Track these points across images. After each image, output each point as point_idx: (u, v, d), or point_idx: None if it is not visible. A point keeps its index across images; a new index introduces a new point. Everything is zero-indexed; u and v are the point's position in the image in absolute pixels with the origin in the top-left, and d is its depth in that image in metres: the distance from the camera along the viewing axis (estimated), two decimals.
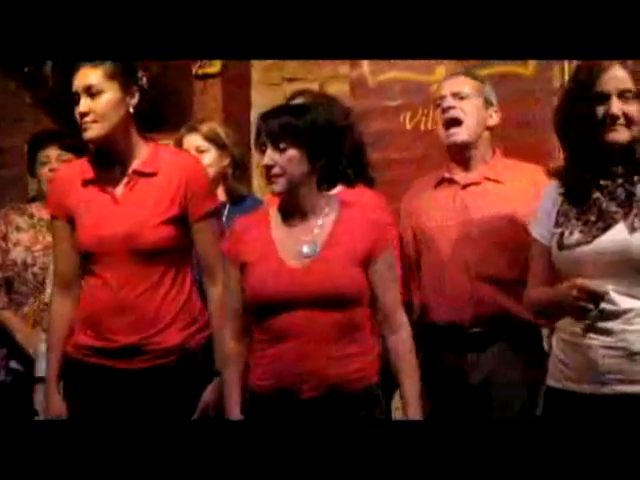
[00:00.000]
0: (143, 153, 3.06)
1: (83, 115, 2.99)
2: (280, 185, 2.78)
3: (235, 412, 2.85)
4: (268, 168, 2.79)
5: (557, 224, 2.73)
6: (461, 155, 3.38)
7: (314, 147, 2.78)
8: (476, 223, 3.32)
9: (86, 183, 3.06)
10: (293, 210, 2.84)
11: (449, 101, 3.34)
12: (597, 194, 2.68)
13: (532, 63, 4.34)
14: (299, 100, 3.20)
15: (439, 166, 3.52)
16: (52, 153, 4.11)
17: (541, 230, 2.79)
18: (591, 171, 2.70)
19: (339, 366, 2.76)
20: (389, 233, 2.92)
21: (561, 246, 2.69)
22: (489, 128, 3.40)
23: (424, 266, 3.40)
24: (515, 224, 3.24)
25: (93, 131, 2.99)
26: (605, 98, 2.65)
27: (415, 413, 2.82)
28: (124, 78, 3.00)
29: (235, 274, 2.87)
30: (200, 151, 3.65)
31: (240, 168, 3.67)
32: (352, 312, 2.78)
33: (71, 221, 3.07)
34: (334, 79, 4.40)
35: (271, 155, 2.77)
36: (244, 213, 3.18)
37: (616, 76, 2.65)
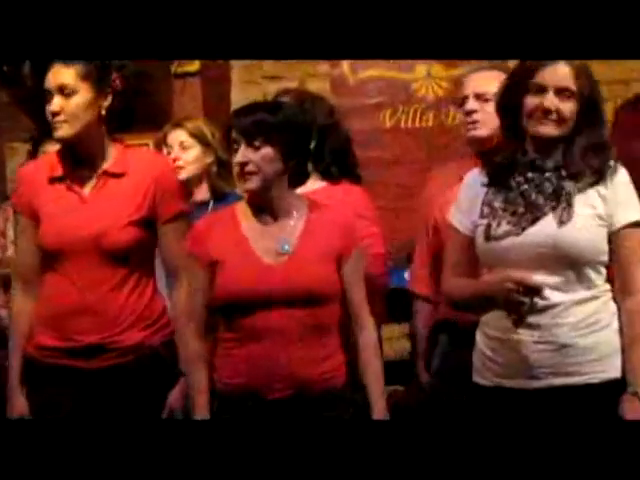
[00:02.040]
0: (113, 154, 3.04)
1: (55, 114, 2.97)
2: (254, 183, 2.77)
3: (204, 413, 2.82)
4: (242, 165, 2.77)
5: (482, 215, 2.70)
6: (481, 148, 3.24)
7: (289, 145, 2.77)
8: None
9: (53, 181, 3.03)
10: (264, 207, 2.83)
11: (471, 104, 3.22)
12: (525, 186, 2.66)
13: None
14: (284, 99, 3.19)
15: (419, 164, 3.51)
16: (50, 149, 4.10)
17: (462, 219, 2.76)
18: (519, 162, 2.68)
19: (310, 366, 2.75)
20: (360, 232, 2.90)
21: (489, 237, 2.66)
22: None
23: None
24: None
25: (64, 130, 2.98)
26: (542, 91, 2.64)
27: (380, 414, 2.78)
28: (97, 79, 2.99)
29: (202, 273, 2.82)
30: (184, 147, 3.64)
31: (225, 166, 3.67)
32: (325, 310, 2.77)
33: (36, 218, 3.03)
34: (314, 77, 4.41)
35: (245, 152, 2.76)
36: None
37: (558, 72, 2.64)
